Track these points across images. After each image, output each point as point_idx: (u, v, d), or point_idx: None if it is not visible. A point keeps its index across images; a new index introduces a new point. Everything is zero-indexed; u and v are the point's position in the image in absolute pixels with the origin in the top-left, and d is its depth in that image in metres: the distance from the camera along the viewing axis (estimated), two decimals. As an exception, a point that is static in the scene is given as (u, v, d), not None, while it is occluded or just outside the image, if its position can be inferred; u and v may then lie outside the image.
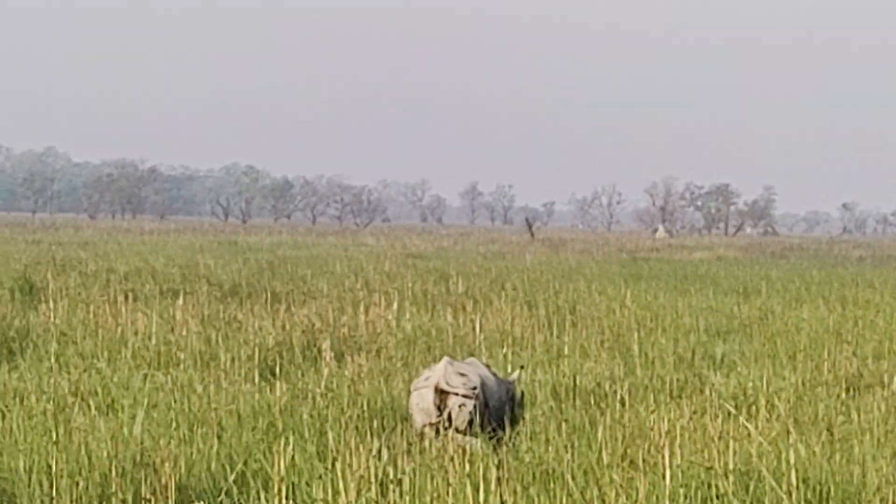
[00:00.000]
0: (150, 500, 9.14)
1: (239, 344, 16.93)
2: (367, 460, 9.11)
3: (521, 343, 18.66)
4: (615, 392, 13.68)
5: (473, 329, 19.30)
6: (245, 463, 10.21)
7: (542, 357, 17.11)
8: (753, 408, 13.12)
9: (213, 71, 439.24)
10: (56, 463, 9.65)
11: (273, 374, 15.05)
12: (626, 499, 8.83)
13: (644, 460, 9.56)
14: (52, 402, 12.46)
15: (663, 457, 9.19)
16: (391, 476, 9.08)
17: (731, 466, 9.44)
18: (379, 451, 9.68)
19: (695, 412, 12.19)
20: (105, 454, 9.97)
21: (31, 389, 13.45)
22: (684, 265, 47.19)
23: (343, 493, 8.83)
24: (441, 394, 11.01)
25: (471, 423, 10.99)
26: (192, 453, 10.43)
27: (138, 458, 9.89)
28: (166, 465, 9.42)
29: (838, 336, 19.34)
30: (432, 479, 9.19)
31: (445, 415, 10.95)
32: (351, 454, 9.29)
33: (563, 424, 11.61)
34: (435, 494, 8.97)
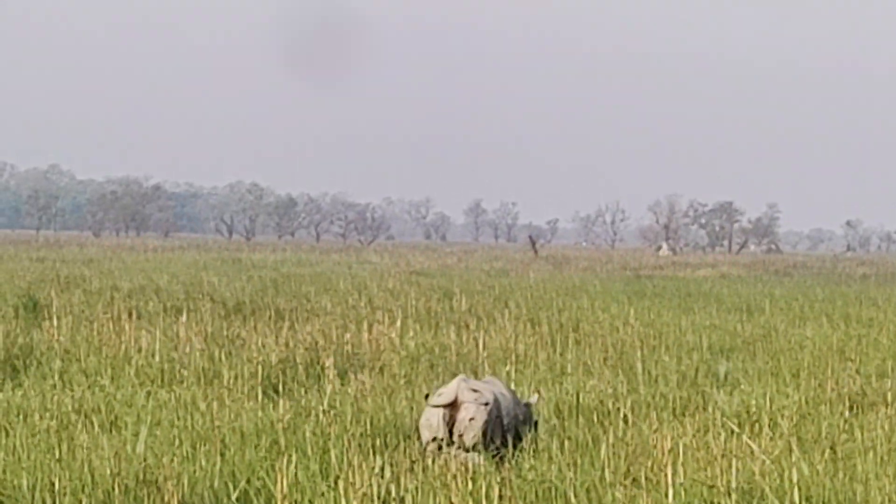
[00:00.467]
0: (152, 518, 9.15)
1: (242, 361, 16.94)
2: (370, 478, 9.12)
3: (525, 361, 18.66)
4: (618, 409, 13.68)
5: (477, 347, 19.30)
6: (248, 481, 10.22)
7: (545, 374, 17.11)
8: (756, 426, 13.11)
9: (217, 88, 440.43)
10: (59, 480, 9.67)
11: (276, 392, 15.06)
12: (629, 517, 8.83)
13: (647, 478, 9.56)
14: (55, 420, 12.48)
15: (666, 475, 9.19)
16: (394, 494, 9.09)
17: (734, 484, 9.44)
18: (382, 469, 9.68)
19: (698, 430, 12.19)
20: (108, 472, 9.98)
21: (35, 407, 13.47)
22: (688, 283, 47.17)
23: (346, 511, 8.83)
24: (451, 409, 11.01)
25: (486, 437, 10.98)
26: (195, 471, 10.43)
27: (141, 475, 9.90)
28: (169, 482, 9.43)
29: (842, 354, 19.33)
30: (435, 496, 9.20)
31: (455, 430, 10.94)
32: (354, 472, 9.30)
33: (566, 442, 11.61)
34: (438, 512, 8.97)
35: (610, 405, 14.12)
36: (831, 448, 11.84)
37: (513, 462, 11.03)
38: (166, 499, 9.31)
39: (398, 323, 21.62)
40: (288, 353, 17.79)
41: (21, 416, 13.04)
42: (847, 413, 14.19)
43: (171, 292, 30.60)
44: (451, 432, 10.94)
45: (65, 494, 9.54)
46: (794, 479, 9.27)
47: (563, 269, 60.96)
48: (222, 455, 11.08)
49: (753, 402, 14.32)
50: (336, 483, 9.27)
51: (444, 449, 10.92)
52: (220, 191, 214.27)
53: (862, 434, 12.52)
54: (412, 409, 13.25)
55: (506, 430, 11.25)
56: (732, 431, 12.06)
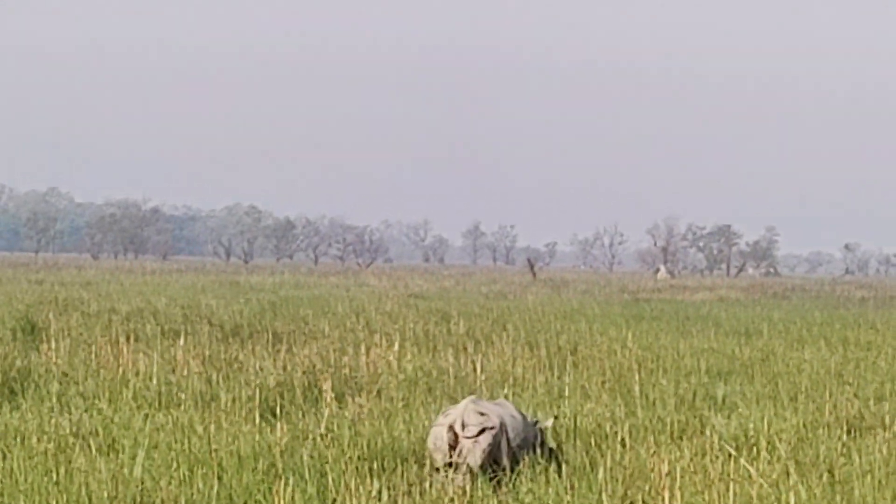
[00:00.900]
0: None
1: (240, 384, 16.93)
2: (367, 502, 9.12)
3: (523, 384, 18.65)
4: (616, 433, 13.68)
5: (475, 370, 19.30)
6: (245, 504, 10.21)
7: (543, 398, 17.10)
8: (754, 449, 13.10)
9: (214, 111, 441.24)
10: (57, 503, 9.66)
11: (274, 415, 15.05)
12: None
13: (644, 502, 9.56)
14: (53, 443, 12.47)
15: (664, 498, 9.19)
16: (391, 517, 9.08)
17: (731, 508, 9.43)
18: (379, 493, 9.68)
19: (695, 454, 12.18)
20: (105, 495, 9.98)
21: (33, 429, 13.46)
22: (686, 306, 47.17)
23: (343, 535, 8.83)
24: (454, 432, 11.00)
25: (490, 459, 10.95)
26: (192, 494, 10.43)
27: (139, 498, 9.90)
28: (166, 505, 9.42)
29: (840, 377, 19.33)
30: (432, 520, 9.19)
31: (457, 453, 10.92)
32: (351, 496, 9.30)
33: (564, 465, 11.60)
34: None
35: (608, 428, 14.11)
36: (829, 472, 11.84)
37: (510, 485, 11.02)
38: (163, 522, 9.31)
39: (396, 346, 21.62)
40: (286, 377, 17.79)
41: (19, 439, 13.03)
42: (845, 437, 14.18)
43: (168, 315, 30.58)
44: (455, 452, 10.92)
45: (62, 518, 9.53)
46: (792, 503, 9.26)
47: (562, 292, 60.94)
48: (219, 478, 11.08)
49: (751, 425, 14.31)
50: (333, 506, 9.26)
51: (442, 471, 10.91)
52: (219, 213, 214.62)
53: (860, 458, 12.51)
54: (409, 432, 13.24)
55: (516, 452, 11.22)
56: (730, 455, 12.05)
